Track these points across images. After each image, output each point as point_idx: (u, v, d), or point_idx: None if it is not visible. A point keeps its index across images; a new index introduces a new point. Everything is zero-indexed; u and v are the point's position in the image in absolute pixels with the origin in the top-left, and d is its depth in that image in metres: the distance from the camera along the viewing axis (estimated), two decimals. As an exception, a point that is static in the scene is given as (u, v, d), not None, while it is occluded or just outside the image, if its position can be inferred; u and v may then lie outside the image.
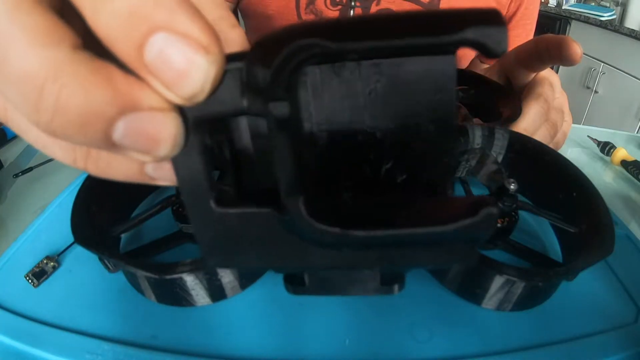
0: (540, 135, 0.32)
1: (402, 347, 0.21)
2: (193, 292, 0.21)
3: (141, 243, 0.26)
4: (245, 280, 0.22)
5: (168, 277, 0.20)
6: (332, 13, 0.56)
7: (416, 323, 0.23)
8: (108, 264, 0.23)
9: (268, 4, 0.57)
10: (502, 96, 0.36)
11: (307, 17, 0.56)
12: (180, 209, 0.25)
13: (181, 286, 0.20)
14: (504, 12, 0.58)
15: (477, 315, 0.23)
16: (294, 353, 0.21)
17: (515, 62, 0.37)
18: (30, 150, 0.43)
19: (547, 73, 0.35)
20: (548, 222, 0.28)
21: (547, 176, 0.28)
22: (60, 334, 0.22)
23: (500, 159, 0.30)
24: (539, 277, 0.21)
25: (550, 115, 0.33)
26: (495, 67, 0.41)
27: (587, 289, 0.25)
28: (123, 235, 0.26)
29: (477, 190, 0.31)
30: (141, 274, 0.20)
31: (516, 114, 0.31)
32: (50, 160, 0.38)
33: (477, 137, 0.30)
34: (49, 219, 0.29)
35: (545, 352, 0.21)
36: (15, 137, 0.46)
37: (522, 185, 0.25)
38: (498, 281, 0.21)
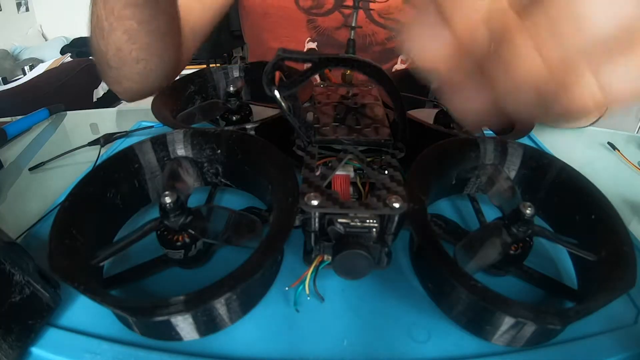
0: None
1: (400, 348, 0.21)
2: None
3: (126, 266, 0.24)
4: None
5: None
6: None
7: (415, 323, 0.23)
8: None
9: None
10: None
11: (304, 3, 0.55)
12: (165, 232, 0.22)
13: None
14: None
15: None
16: (292, 353, 0.21)
17: None
18: (30, 150, 0.42)
19: None
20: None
21: (564, 196, 0.27)
22: (60, 333, 0.21)
23: (512, 175, 0.28)
24: (555, 319, 0.19)
25: None
26: None
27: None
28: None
29: (487, 208, 0.29)
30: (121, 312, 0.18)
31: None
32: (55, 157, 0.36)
33: (488, 151, 0.28)
34: (49, 221, 0.27)
35: (545, 352, 0.21)
36: (15, 137, 0.44)
37: (535, 203, 0.23)
38: (508, 322, 0.19)
